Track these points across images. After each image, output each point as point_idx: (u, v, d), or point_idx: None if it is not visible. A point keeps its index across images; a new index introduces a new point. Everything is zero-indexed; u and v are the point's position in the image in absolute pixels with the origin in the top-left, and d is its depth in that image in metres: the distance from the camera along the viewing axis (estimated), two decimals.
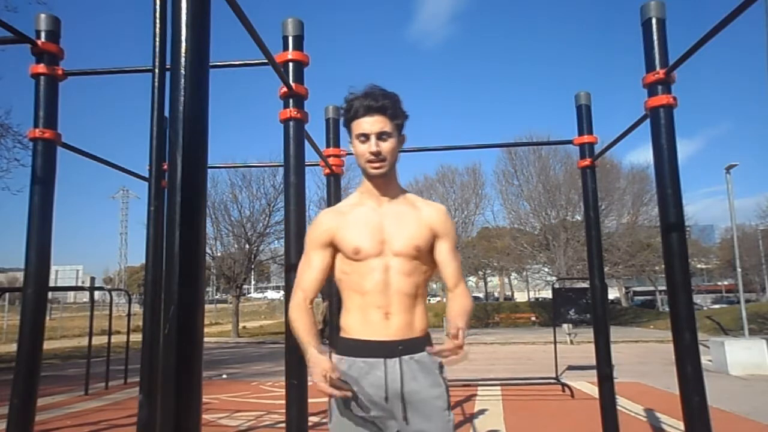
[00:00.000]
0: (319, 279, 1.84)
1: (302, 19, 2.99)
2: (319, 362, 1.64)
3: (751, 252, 39.72)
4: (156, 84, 2.57)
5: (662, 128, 2.78)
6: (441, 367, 1.79)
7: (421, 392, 1.72)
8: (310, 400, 2.75)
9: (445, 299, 27.62)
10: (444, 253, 1.86)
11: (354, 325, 1.78)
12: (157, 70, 2.56)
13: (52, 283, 3.78)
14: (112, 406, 8.01)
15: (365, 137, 1.77)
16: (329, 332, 3.84)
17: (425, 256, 1.83)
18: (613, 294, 46.01)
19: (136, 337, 6.56)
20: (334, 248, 1.83)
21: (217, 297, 64.66)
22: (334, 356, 1.80)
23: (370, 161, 1.78)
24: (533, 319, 33.75)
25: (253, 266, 32.29)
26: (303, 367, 2.74)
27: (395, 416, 1.73)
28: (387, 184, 1.85)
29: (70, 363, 15.07)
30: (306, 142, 3.06)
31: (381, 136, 1.77)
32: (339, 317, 1.85)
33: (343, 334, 1.81)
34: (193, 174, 1.40)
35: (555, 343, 10.52)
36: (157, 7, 2.57)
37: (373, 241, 1.78)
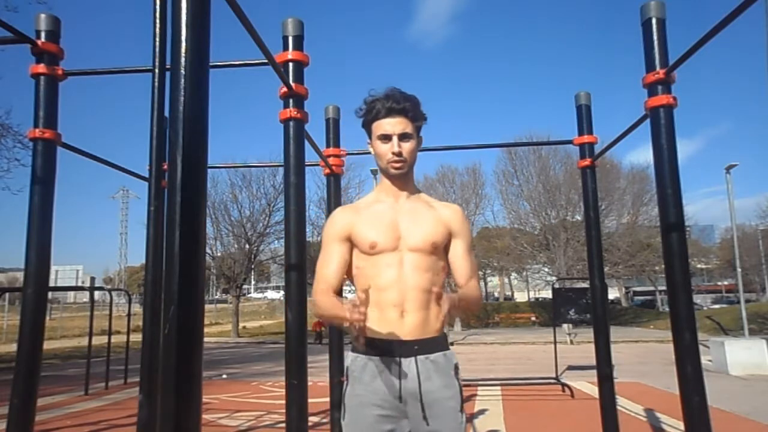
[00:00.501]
0: (340, 272, 1.83)
1: (302, 19, 2.98)
2: (347, 305, 1.60)
3: (751, 252, 39.70)
4: (156, 84, 2.56)
5: (662, 128, 2.78)
6: (456, 368, 1.80)
7: (434, 392, 1.72)
8: (310, 400, 2.75)
9: None
10: (458, 254, 1.88)
11: (370, 323, 1.76)
12: (157, 70, 2.56)
13: (52, 283, 3.78)
14: (112, 406, 8.02)
15: (387, 138, 1.81)
16: (328, 331, 3.85)
17: (440, 254, 1.84)
18: (613, 294, 46.01)
19: (136, 337, 6.56)
20: (352, 244, 1.84)
21: (217, 297, 64.62)
22: (350, 354, 1.81)
23: (391, 161, 1.81)
24: (533, 319, 33.76)
25: (253, 266, 32.30)
26: (303, 367, 2.74)
27: (408, 416, 1.73)
28: (405, 184, 1.89)
29: (70, 363, 15.08)
30: (306, 142, 3.06)
31: (402, 137, 1.80)
32: None
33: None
34: (193, 174, 1.40)
35: (555, 343, 10.54)
36: (157, 7, 2.57)
37: (389, 236, 1.79)
